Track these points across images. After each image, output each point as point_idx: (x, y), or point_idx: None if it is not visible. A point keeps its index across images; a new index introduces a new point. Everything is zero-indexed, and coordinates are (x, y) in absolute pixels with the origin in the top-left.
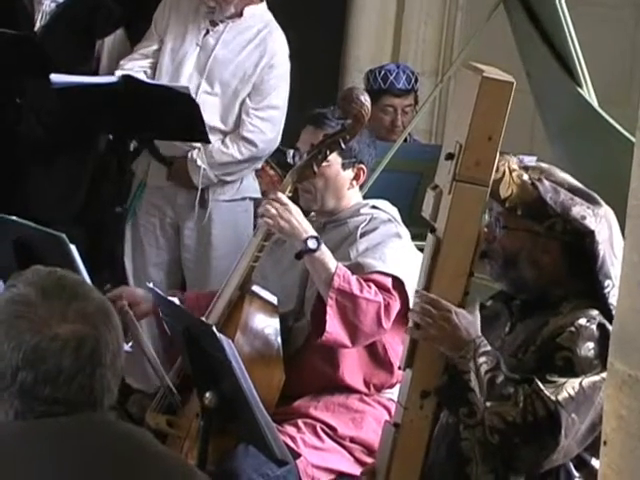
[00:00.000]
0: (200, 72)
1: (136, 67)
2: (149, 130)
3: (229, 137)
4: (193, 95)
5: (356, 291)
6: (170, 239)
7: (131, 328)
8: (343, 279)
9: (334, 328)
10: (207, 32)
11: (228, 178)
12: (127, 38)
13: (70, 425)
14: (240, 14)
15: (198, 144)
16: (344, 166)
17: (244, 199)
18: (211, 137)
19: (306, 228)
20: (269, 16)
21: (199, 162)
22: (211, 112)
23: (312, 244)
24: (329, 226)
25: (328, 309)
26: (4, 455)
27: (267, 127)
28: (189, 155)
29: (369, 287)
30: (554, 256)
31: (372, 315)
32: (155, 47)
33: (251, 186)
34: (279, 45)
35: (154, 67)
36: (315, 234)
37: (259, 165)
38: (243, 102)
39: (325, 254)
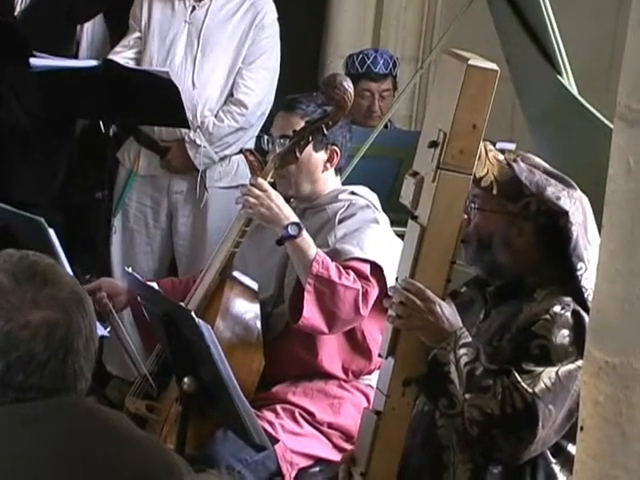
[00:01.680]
0: (194, 47)
1: (118, 58)
2: (129, 115)
3: (221, 109)
4: (190, 71)
5: (334, 278)
6: (162, 228)
7: (110, 320)
8: (322, 265)
9: (311, 314)
10: (194, 8)
11: (227, 151)
12: (106, 24)
13: (43, 409)
14: None
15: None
16: (316, 147)
17: (239, 187)
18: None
19: (287, 214)
20: None
21: (198, 141)
22: (212, 84)
23: (293, 230)
24: (308, 212)
25: (306, 295)
26: None
27: (258, 88)
28: (186, 137)
29: (347, 274)
30: (528, 239)
31: (350, 302)
32: (136, 35)
33: (245, 174)
34: (268, 6)
35: (139, 56)
36: (296, 220)
37: (252, 136)
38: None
39: (305, 240)
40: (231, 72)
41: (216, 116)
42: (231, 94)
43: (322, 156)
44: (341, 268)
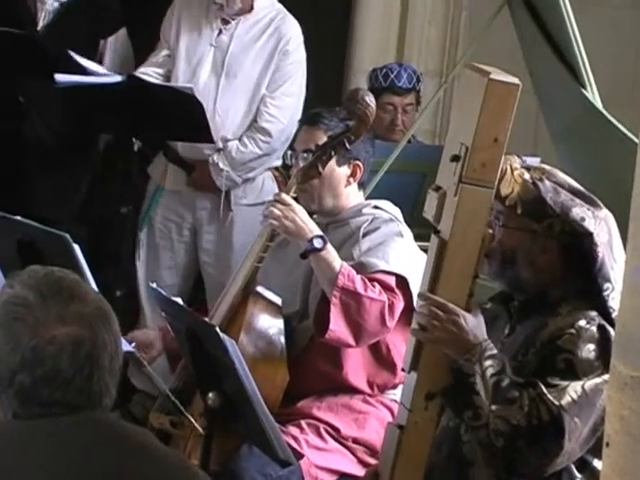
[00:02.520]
0: (218, 71)
1: (149, 72)
2: (153, 130)
3: (245, 135)
4: (214, 95)
5: (360, 290)
6: (186, 243)
7: (144, 370)
8: (347, 278)
9: (337, 326)
10: (220, 32)
11: (251, 174)
12: (129, 37)
13: (68, 425)
14: (250, 9)
15: (213, 144)
16: (339, 162)
17: (265, 203)
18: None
19: (311, 228)
20: (279, 5)
21: (221, 165)
22: (235, 109)
23: (318, 243)
24: (331, 226)
25: (332, 307)
26: (4, 453)
27: (282, 115)
28: (210, 159)
29: (373, 286)
30: (552, 256)
31: (376, 314)
32: (165, 53)
33: (272, 190)
34: (293, 31)
35: (167, 75)
36: (321, 233)
37: (278, 157)
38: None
39: (330, 253)
40: (254, 98)
41: (240, 141)
42: (255, 120)
43: (345, 171)
44: (367, 280)
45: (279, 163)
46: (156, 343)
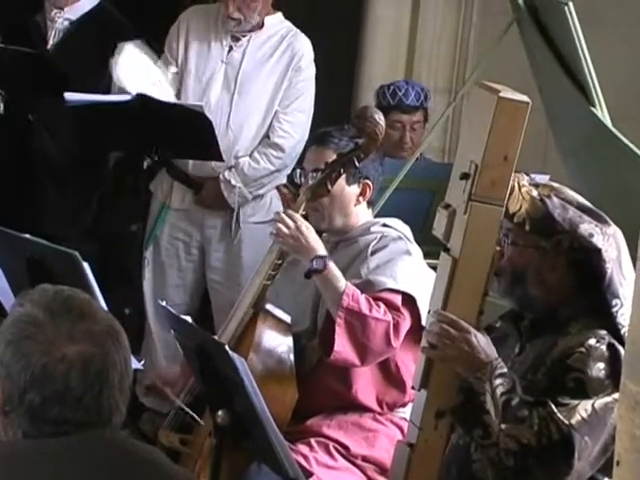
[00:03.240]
0: (230, 87)
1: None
2: (163, 148)
3: (257, 151)
4: (227, 111)
5: (365, 310)
6: (194, 261)
7: (173, 405)
8: (352, 298)
9: (342, 347)
10: (231, 48)
11: (262, 191)
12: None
13: (78, 444)
14: (261, 25)
15: (222, 162)
16: (349, 182)
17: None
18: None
19: (315, 247)
20: (288, 23)
21: (233, 181)
22: (249, 125)
23: (317, 264)
24: (341, 245)
25: (337, 328)
26: (12, 473)
27: (294, 131)
28: (221, 176)
29: (378, 306)
30: (560, 273)
31: (381, 334)
32: (173, 70)
33: (279, 208)
34: (306, 48)
35: (177, 93)
36: (323, 254)
37: (288, 171)
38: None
39: (333, 273)
40: (267, 114)
41: (251, 157)
42: (267, 136)
43: (355, 190)
44: (371, 300)
45: (284, 180)
46: (180, 379)
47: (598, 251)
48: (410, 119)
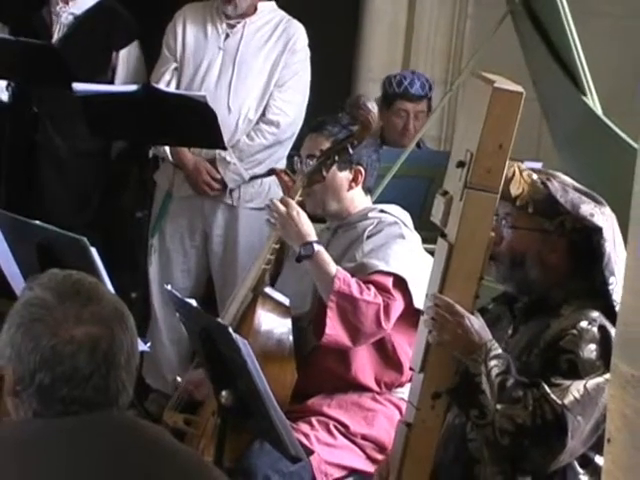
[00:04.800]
0: (228, 73)
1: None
2: (167, 137)
3: (252, 129)
4: (225, 96)
5: (356, 293)
6: (197, 247)
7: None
8: (343, 282)
9: (334, 330)
10: (227, 36)
11: (257, 169)
12: (141, 50)
13: (87, 423)
14: (254, 10)
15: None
16: (340, 167)
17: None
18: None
19: (305, 232)
20: (282, 11)
21: (228, 158)
22: (246, 108)
23: (305, 250)
24: (340, 230)
25: (328, 311)
26: (25, 451)
27: (289, 109)
28: (217, 155)
29: (368, 289)
30: (560, 255)
31: (372, 316)
32: (173, 66)
33: (277, 195)
34: (299, 32)
35: (177, 85)
36: (312, 239)
37: (282, 157)
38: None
39: (323, 258)
40: (264, 94)
41: (247, 136)
42: (263, 114)
43: (347, 175)
44: (362, 284)
45: (284, 164)
46: (205, 382)
47: (599, 230)
48: (415, 108)
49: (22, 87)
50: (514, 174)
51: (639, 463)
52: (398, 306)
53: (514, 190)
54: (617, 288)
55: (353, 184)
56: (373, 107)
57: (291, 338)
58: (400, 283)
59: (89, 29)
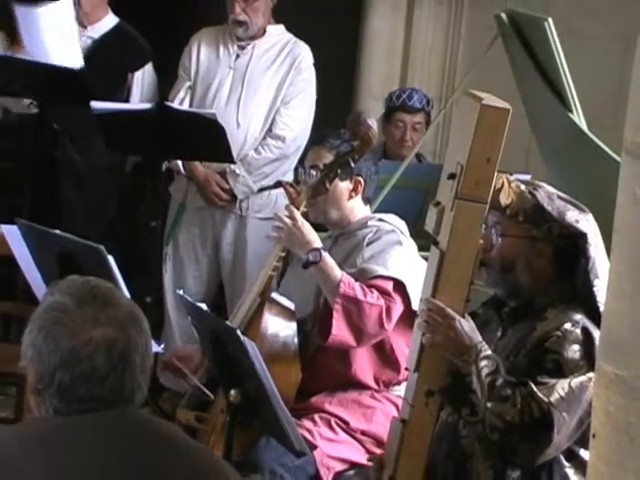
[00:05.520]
0: (238, 90)
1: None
2: (180, 152)
3: (260, 143)
4: (235, 111)
5: (360, 296)
6: (209, 255)
7: (187, 380)
8: (348, 286)
9: (339, 330)
10: (238, 56)
11: (264, 182)
12: (155, 71)
13: (105, 419)
14: (263, 32)
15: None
16: (341, 178)
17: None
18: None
19: (310, 240)
20: (289, 34)
21: (237, 171)
22: (255, 123)
23: (313, 257)
24: (341, 238)
25: (334, 313)
26: (49, 446)
27: (295, 125)
28: (227, 168)
29: (371, 292)
30: (547, 260)
31: (375, 317)
32: (187, 84)
33: (283, 205)
34: (305, 52)
35: (190, 103)
36: (318, 246)
37: (289, 170)
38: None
39: (329, 265)
40: (271, 110)
41: (255, 149)
42: (270, 129)
43: (347, 185)
44: (365, 287)
45: (290, 177)
46: (195, 356)
47: (584, 235)
48: (412, 119)
49: (43, 106)
50: (503, 185)
51: (622, 457)
52: (398, 308)
53: (504, 200)
54: (601, 290)
55: (353, 194)
56: (373, 123)
57: (296, 340)
58: (399, 286)
59: (106, 52)
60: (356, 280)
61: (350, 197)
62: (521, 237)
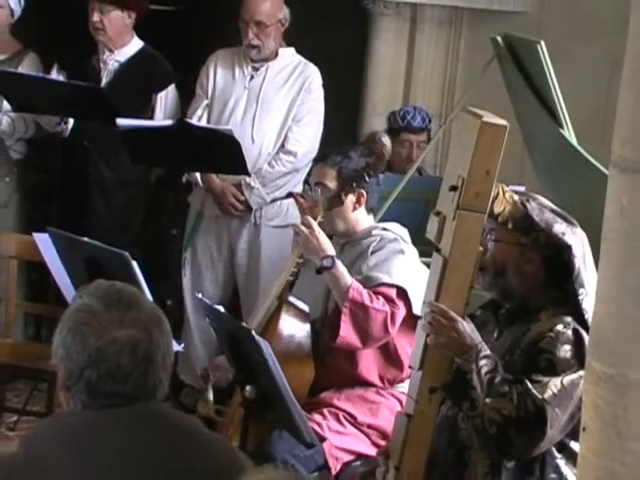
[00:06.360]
0: (252, 109)
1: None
2: (198, 165)
3: (273, 158)
4: (250, 128)
5: (367, 302)
6: (225, 260)
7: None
8: (356, 292)
9: (347, 333)
10: (252, 77)
11: (277, 193)
12: (177, 91)
13: (130, 414)
14: (276, 55)
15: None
16: (346, 191)
17: (287, 226)
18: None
19: (324, 248)
20: (300, 56)
21: (252, 183)
22: (268, 139)
23: (326, 262)
24: (347, 246)
25: (343, 316)
26: (78, 439)
27: (305, 141)
28: (242, 180)
29: (377, 299)
30: (535, 266)
31: (380, 322)
32: (205, 102)
33: (294, 215)
34: (315, 74)
35: (208, 120)
36: (332, 254)
37: (299, 182)
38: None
39: (340, 271)
40: (283, 127)
41: (269, 163)
42: (282, 145)
43: (351, 198)
44: (372, 294)
45: (300, 188)
46: (224, 364)
47: (569, 247)
48: (417, 138)
49: (75, 124)
50: (498, 194)
51: (610, 449)
52: (402, 313)
53: (497, 208)
54: (586, 298)
55: (357, 205)
56: (387, 142)
57: (310, 341)
58: (402, 293)
59: (132, 74)
60: (363, 287)
61: (354, 208)
62: (511, 244)
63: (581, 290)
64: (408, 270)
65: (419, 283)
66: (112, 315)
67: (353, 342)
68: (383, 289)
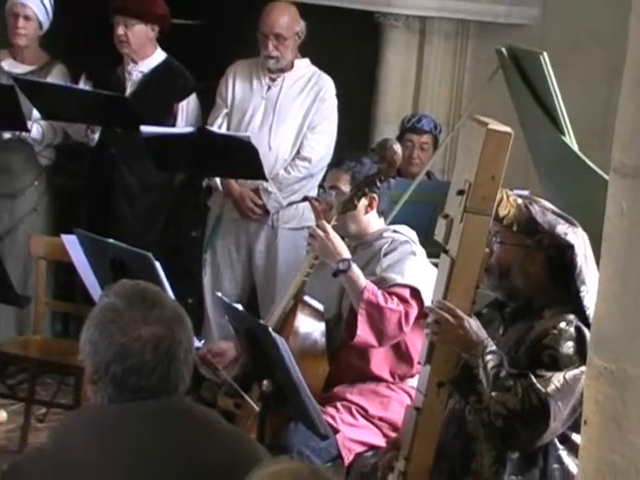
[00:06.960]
0: (269, 118)
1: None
2: (218, 171)
3: (289, 164)
4: (267, 136)
5: (382, 302)
6: (243, 261)
7: (218, 374)
8: (371, 293)
9: (363, 332)
10: (269, 87)
11: (293, 197)
12: (198, 100)
13: (153, 407)
14: (292, 66)
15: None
16: (359, 196)
17: (303, 228)
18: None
19: (340, 251)
20: (314, 67)
21: (270, 188)
22: (285, 146)
23: (343, 266)
24: (359, 248)
25: (359, 317)
26: (104, 430)
27: (319, 147)
28: (260, 185)
29: (392, 299)
30: (539, 267)
31: (395, 321)
32: (225, 111)
33: (309, 217)
34: (329, 84)
35: (228, 127)
36: (347, 257)
37: (314, 187)
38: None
39: (355, 273)
40: (299, 135)
41: (285, 170)
42: (297, 152)
43: (363, 202)
44: (386, 294)
45: (315, 192)
46: (228, 352)
47: (572, 247)
48: (419, 139)
49: (102, 132)
50: (502, 198)
51: (611, 441)
52: (415, 312)
53: (502, 211)
54: (588, 295)
55: (369, 209)
56: (398, 149)
57: (324, 338)
58: (415, 293)
59: (155, 85)
60: (377, 287)
61: (366, 212)
62: (516, 245)
63: (583, 287)
64: (420, 271)
65: (428, 282)
66: (136, 313)
67: (370, 341)
68: (397, 289)
